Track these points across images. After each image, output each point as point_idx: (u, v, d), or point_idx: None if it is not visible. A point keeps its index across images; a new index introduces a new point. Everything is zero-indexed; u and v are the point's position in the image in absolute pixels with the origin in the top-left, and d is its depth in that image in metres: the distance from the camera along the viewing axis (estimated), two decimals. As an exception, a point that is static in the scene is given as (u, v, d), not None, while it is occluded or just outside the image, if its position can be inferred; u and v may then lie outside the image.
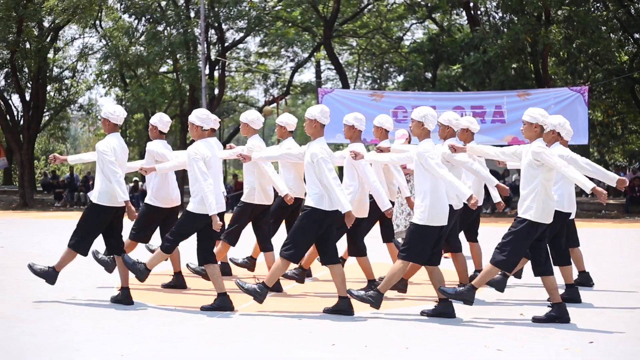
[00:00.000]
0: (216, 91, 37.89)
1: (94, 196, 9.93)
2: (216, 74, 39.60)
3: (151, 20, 36.09)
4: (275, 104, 36.10)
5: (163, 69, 41.12)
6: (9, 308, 9.66)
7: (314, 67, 45.14)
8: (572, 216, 10.56)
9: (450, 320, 8.96)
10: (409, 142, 13.22)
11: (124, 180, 9.92)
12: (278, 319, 9.08)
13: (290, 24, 37.41)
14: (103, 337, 8.12)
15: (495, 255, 8.85)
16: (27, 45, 35.70)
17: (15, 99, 42.52)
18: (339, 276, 9.36)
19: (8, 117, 37.64)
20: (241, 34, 38.43)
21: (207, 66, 35.14)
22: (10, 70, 37.58)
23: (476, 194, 10.17)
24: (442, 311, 9.17)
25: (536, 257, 9.03)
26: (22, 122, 39.09)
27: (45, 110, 40.88)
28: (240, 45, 41.02)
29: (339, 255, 9.81)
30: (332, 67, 42.45)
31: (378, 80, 42.95)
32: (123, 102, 42.10)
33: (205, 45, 32.57)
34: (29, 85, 39.13)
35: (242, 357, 7.35)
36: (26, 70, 38.74)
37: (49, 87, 41.48)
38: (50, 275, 10.11)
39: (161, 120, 11.02)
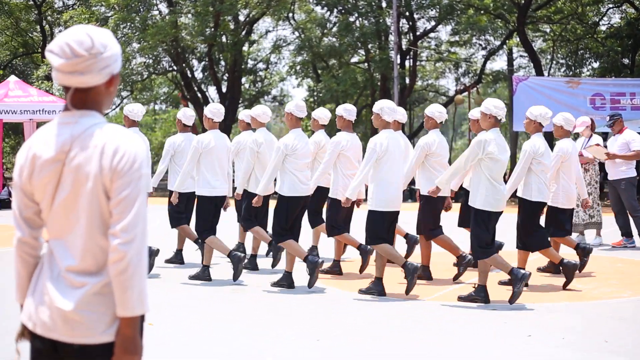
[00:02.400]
0: (407, 81, 37.84)
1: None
2: (407, 63, 39.55)
3: (343, 11, 36.40)
4: (466, 93, 35.73)
5: (354, 59, 41.42)
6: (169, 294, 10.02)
7: (505, 55, 44.26)
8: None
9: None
10: (592, 130, 14.13)
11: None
12: (471, 309, 8.98)
13: (482, 11, 36.85)
14: (297, 323, 8.25)
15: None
16: (224, 39, 36.73)
17: (211, 91, 43.91)
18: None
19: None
20: (432, 23, 38.22)
21: (398, 56, 35.11)
22: (208, 63, 38.78)
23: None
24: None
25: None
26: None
27: (240, 101, 41.99)
28: (431, 34, 40.78)
29: None
30: (525, 54, 41.53)
31: (572, 67, 41.70)
32: (315, 93, 42.72)
33: (397, 35, 32.56)
34: (225, 77, 40.29)
35: (440, 344, 7.32)
36: (222, 63, 39.93)
37: (243, 79, 42.63)
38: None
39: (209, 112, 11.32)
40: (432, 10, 36.22)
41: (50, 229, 3.11)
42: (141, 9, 35.29)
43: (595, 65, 39.61)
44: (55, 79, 3.11)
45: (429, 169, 10.71)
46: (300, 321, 8.37)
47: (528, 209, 10.15)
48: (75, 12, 36.43)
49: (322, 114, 11.62)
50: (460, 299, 9.32)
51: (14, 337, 3.14)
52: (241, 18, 38.42)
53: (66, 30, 3.12)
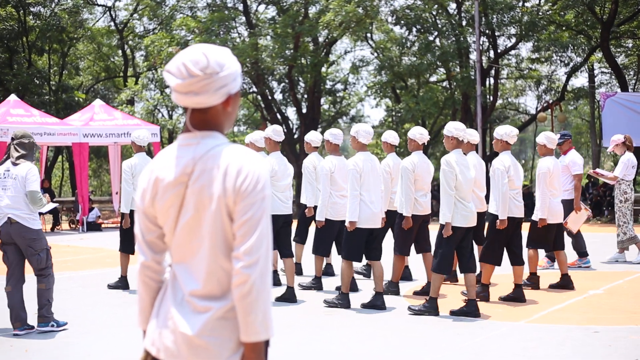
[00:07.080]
0: (488, 99, 37.42)
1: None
2: (487, 81, 39.12)
3: (422, 30, 36.21)
4: (549, 110, 35.22)
5: (432, 78, 41.17)
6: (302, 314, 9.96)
7: (585, 72, 43.51)
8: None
9: None
10: (627, 148, 14.55)
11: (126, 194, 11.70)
12: (573, 331, 8.73)
13: (564, 28, 36.25)
14: (405, 347, 8.14)
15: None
16: (303, 60, 36.81)
17: (290, 112, 44.06)
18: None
19: (285, 130, 38.95)
20: (513, 40, 37.73)
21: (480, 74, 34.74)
22: (288, 85, 38.93)
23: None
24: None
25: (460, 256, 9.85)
26: (297, 135, 40.37)
27: (319, 122, 42.03)
28: (512, 52, 40.30)
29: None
30: (606, 70, 40.83)
31: (657, 83, 40.83)
32: (393, 113, 42.61)
33: (479, 54, 32.25)
34: (304, 98, 40.38)
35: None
36: (302, 84, 40.01)
37: (322, 100, 42.67)
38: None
39: None
40: (513, 27, 35.72)
41: (174, 252, 3.05)
42: (221, 32, 35.62)
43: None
44: (173, 100, 3.06)
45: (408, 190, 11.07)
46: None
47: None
48: (156, 37, 36.89)
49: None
50: (411, 309, 9.83)
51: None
52: (320, 39, 38.49)
53: (186, 48, 3.07)
